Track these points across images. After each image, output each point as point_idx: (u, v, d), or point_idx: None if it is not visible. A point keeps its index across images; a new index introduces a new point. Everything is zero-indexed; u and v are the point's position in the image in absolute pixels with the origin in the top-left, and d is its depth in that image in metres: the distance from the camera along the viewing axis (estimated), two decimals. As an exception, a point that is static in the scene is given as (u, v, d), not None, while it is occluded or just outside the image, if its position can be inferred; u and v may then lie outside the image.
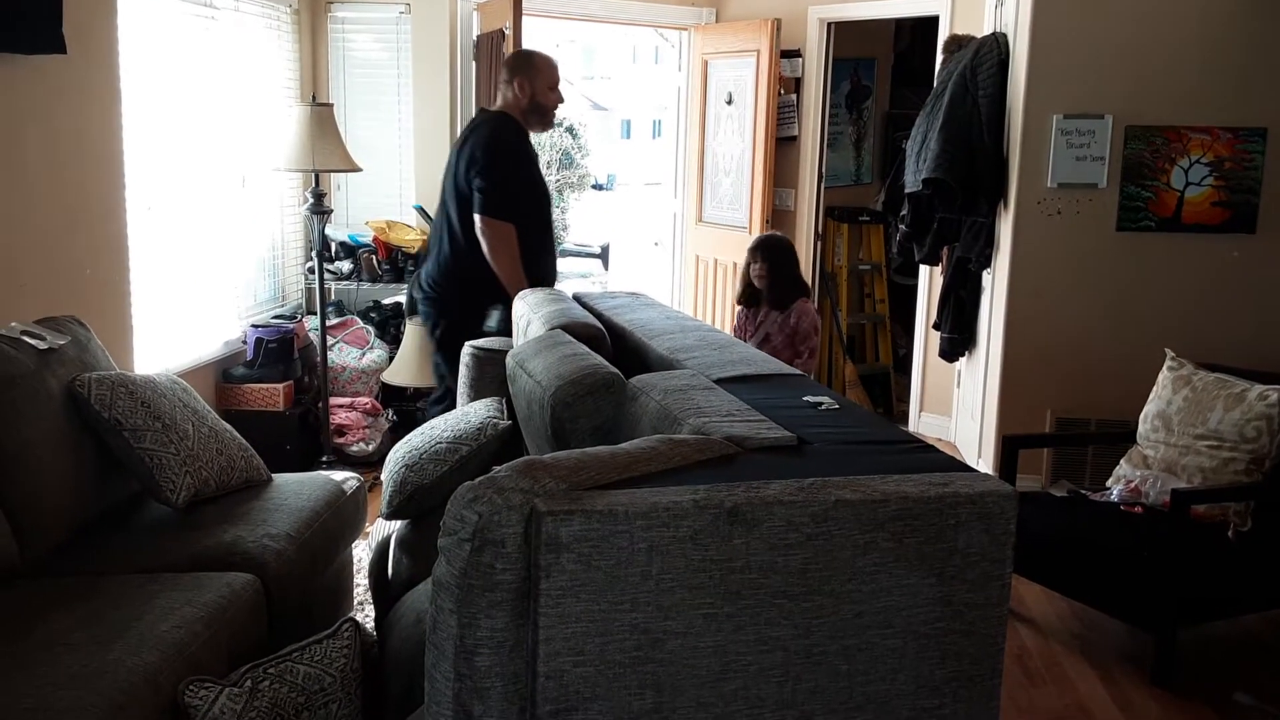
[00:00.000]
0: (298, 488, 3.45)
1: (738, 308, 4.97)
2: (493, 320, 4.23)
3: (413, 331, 4.97)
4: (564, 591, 1.60)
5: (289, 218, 5.87)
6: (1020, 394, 4.87)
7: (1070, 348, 4.83)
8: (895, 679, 1.76)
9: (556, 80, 4.34)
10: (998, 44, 4.93)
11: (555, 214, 17.31)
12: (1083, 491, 4.09)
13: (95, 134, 3.96)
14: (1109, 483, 4.06)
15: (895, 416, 6.65)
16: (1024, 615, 3.96)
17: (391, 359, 5.34)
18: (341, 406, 5.42)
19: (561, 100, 4.39)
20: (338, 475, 3.66)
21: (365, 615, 3.63)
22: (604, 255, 16.26)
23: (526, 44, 5.38)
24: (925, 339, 6.13)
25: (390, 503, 3.17)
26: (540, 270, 4.32)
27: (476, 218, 4.16)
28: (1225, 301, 4.70)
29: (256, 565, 2.95)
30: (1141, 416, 4.09)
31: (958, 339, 5.60)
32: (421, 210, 5.84)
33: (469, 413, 3.35)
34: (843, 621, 1.72)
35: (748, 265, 4.82)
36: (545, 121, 4.42)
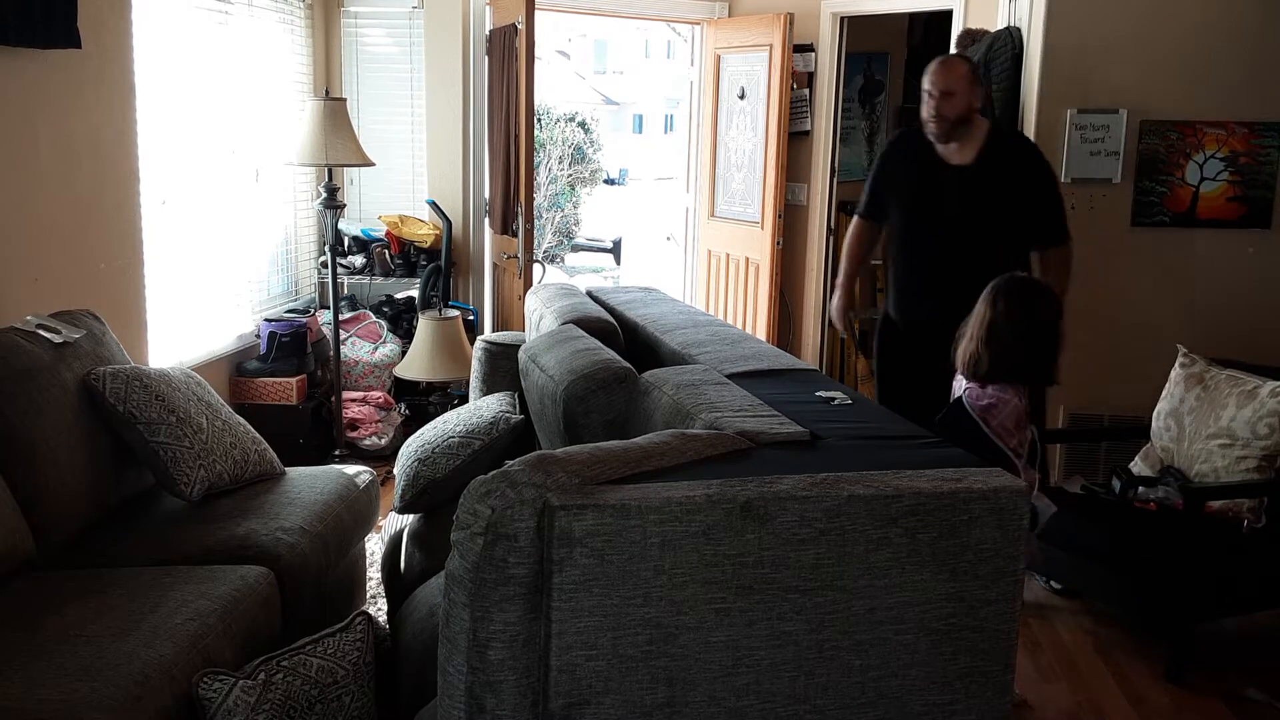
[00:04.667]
0: (311, 481, 3.47)
1: (1007, 391, 3.06)
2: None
3: (425, 326, 4.98)
4: (576, 585, 1.60)
5: (302, 212, 5.88)
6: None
7: (1083, 343, 4.80)
8: (907, 674, 1.76)
9: (929, 88, 3.99)
10: (1011, 38, 4.91)
11: (568, 209, 17.10)
12: (1095, 487, 4.08)
13: (109, 128, 3.97)
14: (1114, 481, 4.04)
15: (907, 412, 6.63)
16: (1037, 611, 3.95)
17: (404, 353, 5.36)
18: (354, 400, 5.44)
19: (928, 112, 3.99)
20: (350, 469, 3.67)
21: (378, 609, 3.64)
22: (616, 250, 16.25)
23: (539, 39, 5.38)
24: (938, 334, 6.11)
25: (403, 496, 3.18)
26: (895, 282, 4.24)
27: None
28: (1239, 297, 4.67)
29: (270, 558, 2.97)
30: (1154, 414, 4.08)
31: (970, 334, 5.57)
32: (434, 205, 5.85)
33: (481, 407, 3.36)
34: (855, 616, 1.72)
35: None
36: (928, 131, 4.05)
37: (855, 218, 4.45)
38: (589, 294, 3.75)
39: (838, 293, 4.50)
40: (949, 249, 4.03)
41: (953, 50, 5.46)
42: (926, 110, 3.99)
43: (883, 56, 7.30)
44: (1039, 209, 4.03)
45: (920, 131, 4.11)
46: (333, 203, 4.99)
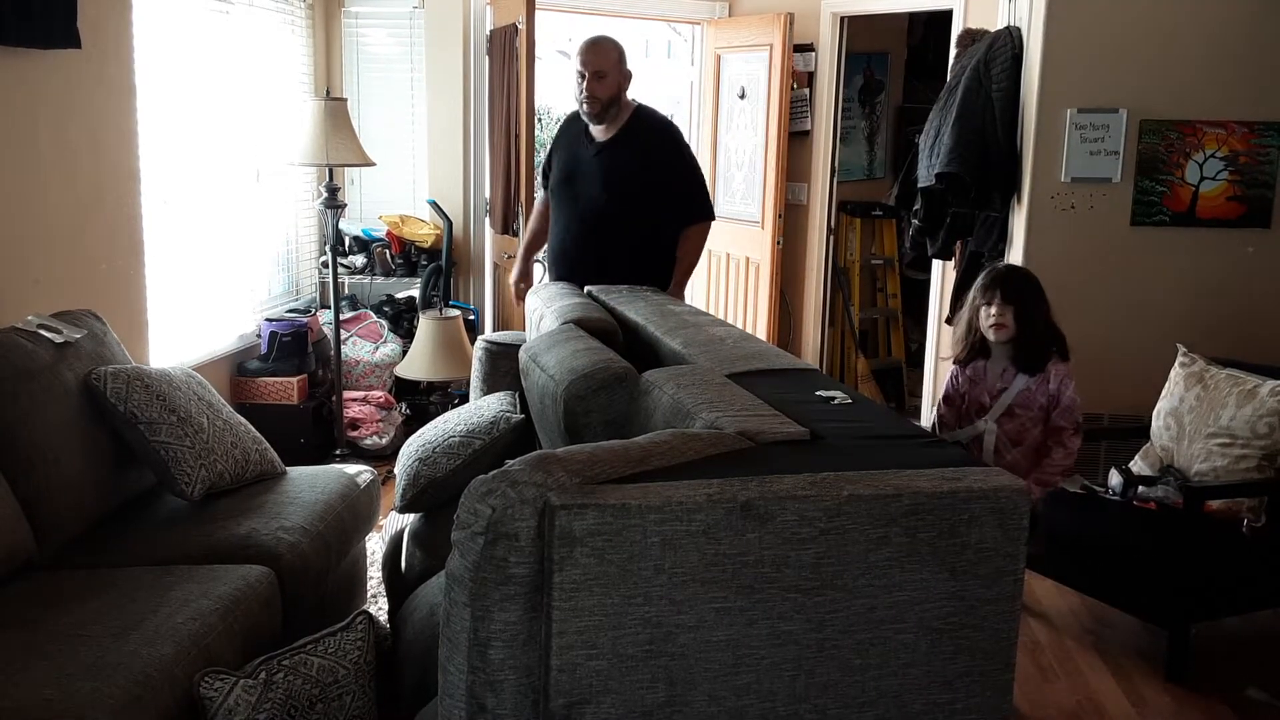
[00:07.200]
0: (312, 481, 3.47)
1: (953, 367, 3.55)
2: None
3: (426, 325, 4.98)
4: (577, 585, 1.61)
5: (303, 212, 5.89)
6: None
7: (1083, 342, 4.77)
8: (908, 673, 1.77)
9: (580, 69, 4.11)
10: (1011, 38, 4.91)
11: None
12: (1095, 487, 4.08)
13: (110, 128, 3.97)
14: (1112, 474, 4.04)
15: (907, 411, 6.64)
16: (1037, 610, 3.95)
17: (405, 353, 5.36)
18: (355, 400, 5.44)
19: (579, 90, 4.12)
20: (351, 469, 3.67)
21: (379, 608, 3.64)
22: (616, 249, 16.22)
23: (539, 39, 5.38)
24: (938, 333, 6.11)
25: (403, 496, 3.18)
26: (550, 254, 4.38)
27: None
28: (1239, 296, 4.67)
29: (271, 558, 2.97)
30: (1154, 414, 4.08)
31: (971, 334, 5.57)
32: (435, 204, 5.85)
33: (482, 406, 3.36)
34: (855, 616, 1.72)
35: (974, 308, 3.42)
36: (582, 111, 4.20)
37: (540, 194, 4.59)
38: (589, 294, 3.75)
39: (516, 264, 4.62)
40: (589, 223, 4.19)
41: (953, 51, 5.47)
42: (578, 89, 4.10)
43: (883, 56, 7.30)
44: (672, 188, 4.17)
45: (575, 114, 4.29)
46: (333, 202, 4.99)
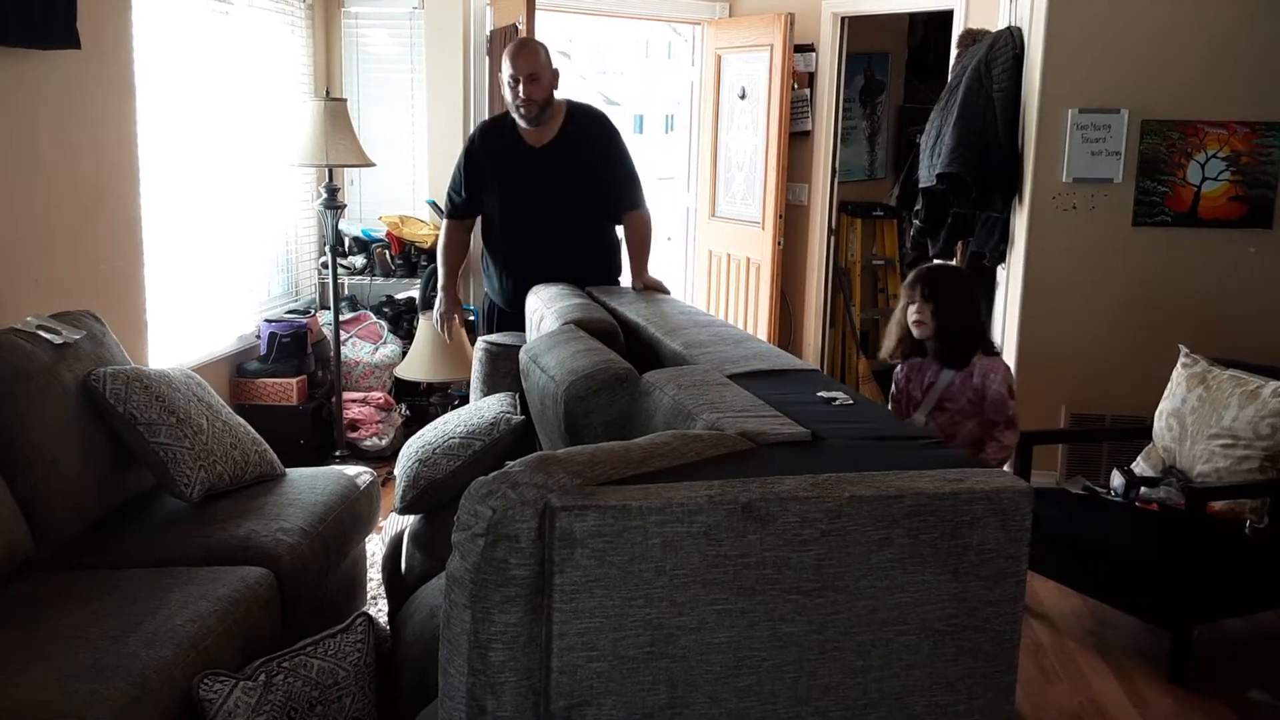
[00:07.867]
0: (311, 482, 3.46)
1: (897, 366, 3.68)
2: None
3: (426, 326, 4.97)
4: (578, 586, 1.60)
5: (302, 213, 5.88)
6: (1035, 390, 4.85)
7: (1085, 343, 4.81)
8: (910, 675, 1.76)
9: (513, 73, 3.96)
10: (1012, 38, 4.91)
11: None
12: (1097, 488, 4.07)
13: (109, 129, 3.97)
14: (1114, 476, 4.03)
15: (908, 412, 6.63)
16: (1039, 611, 3.94)
17: (405, 354, 5.35)
18: (355, 401, 5.43)
19: (518, 97, 3.96)
20: (351, 470, 3.67)
21: (379, 610, 3.63)
22: (616, 250, 16.21)
23: (539, 39, 5.38)
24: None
25: (403, 497, 3.18)
26: (498, 277, 4.26)
27: None
28: (1241, 297, 4.67)
29: (270, 559, 2.96)
30: (1156, 414, 4.08)
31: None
32: (434, 205, 5.84)
33: (482, 408, 3.36)
34: (857, 617, 1.72)
35: (902, 306, 3.56)
36: (519, 116, 4.07)
37: (446, 221, 4.44)
38: (589, 294, 3.74)
39: (441, 296, 4.49)
40: (546, 227, 4.13)
41: (953, 51, 5.46)
42: (513, 95, 3.99)
43: (883, 56, 7.30)
44: (616, 179, 4.16)
45: (499, 121, 4.23)
46: (333, 203, 4.99)
